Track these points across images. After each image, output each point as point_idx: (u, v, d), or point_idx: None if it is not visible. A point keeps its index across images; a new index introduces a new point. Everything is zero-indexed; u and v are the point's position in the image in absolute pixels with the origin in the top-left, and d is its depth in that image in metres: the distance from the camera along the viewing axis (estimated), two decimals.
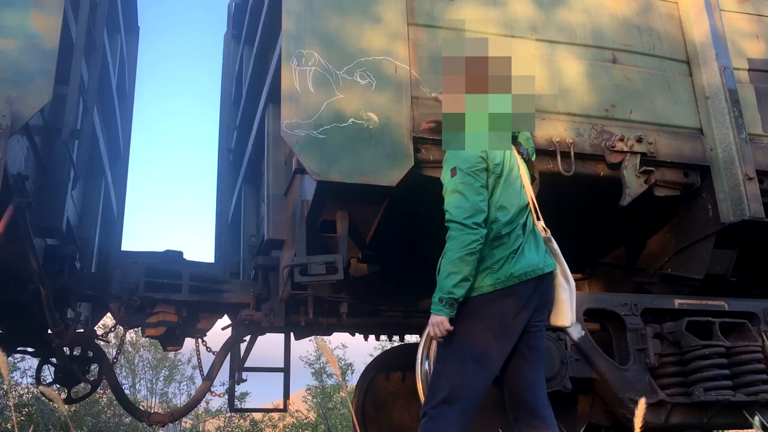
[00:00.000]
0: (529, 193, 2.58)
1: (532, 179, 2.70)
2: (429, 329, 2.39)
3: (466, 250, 2.32)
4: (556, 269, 2.54)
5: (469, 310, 2.38)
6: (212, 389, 4.79)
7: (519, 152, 2.63)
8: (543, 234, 2.58)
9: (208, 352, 4.75)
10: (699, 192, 3.97)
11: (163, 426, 4.93)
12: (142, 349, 12.38)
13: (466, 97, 2.51)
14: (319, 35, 3.50)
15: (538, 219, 2.60)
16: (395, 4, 3.65)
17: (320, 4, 3.56)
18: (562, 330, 2.64)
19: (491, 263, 2.38)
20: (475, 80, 2.50)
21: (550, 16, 3.97)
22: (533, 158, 2.77)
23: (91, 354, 4.69)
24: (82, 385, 5.42)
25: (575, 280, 5.38)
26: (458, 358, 2.36)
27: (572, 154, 3.68)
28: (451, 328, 2.34)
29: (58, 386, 4.80)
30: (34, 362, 5.23)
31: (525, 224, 2.50)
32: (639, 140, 3.75)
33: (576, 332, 3.66)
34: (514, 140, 2.63)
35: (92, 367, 5.14)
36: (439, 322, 2.34)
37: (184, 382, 12.75)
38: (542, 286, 2.47)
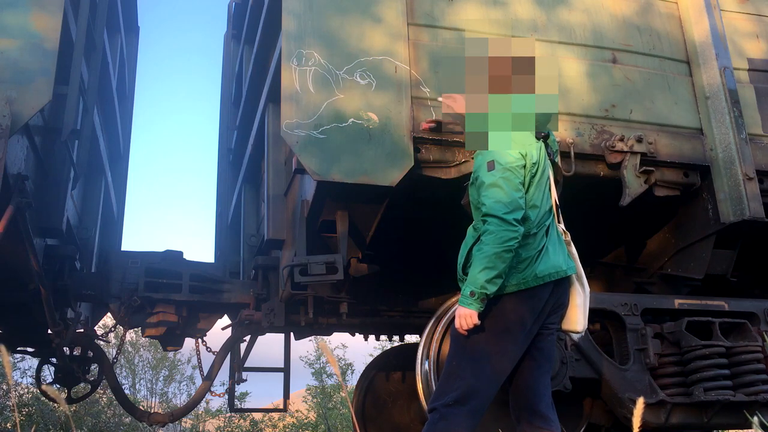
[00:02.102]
0: (554, 195, 2.58)
1: (556, 182, 2.67)
2: (456, 321, 2.35)
3: (504, 246, 2.28)
4: (575, 273, 2.51)
5: (491, 310, 2.34)
6: (212, 389, 4.80)
7: (547, 153, 2.61)
8: (564, 237, 2.55)
9: (208, 352, 4.75)
10: (699, 192, 3.97)
11: (163, 426, 4.93)
12: (142, 349, 12.37)
13: (489, 97, 2.49)
14: (319, 35, 3.50)
15: (560, 222, 2.58)
16: (395, 4, 3.65)
17: (320, 3, 3.56)
18: (566, 333, 2.60)
19: (516, 263, 2.35)
20: (498, 80, 2.48)
21: (551, 16, 3.97)
22: (557, 160, 2.74)
23: (91, 354, 4.68)
24: (82, 385, 5.42)
25: None
26: (474, 359, 2.34)
27: (572, 154, 3.68)
28: (479, 322, 2.31)
29: (58, 386, 4.80)
30: (34, 362, 5.24)
31: (549, 226, 2.48)
32: (639, 140, 3.75)
33: None
34: (545, 141, 2.61)
35: (92, 367, 5.14)
36: (468, 314, 2.30)
37: (184, 382, 12.74)
38: (560, 289, 2.45)
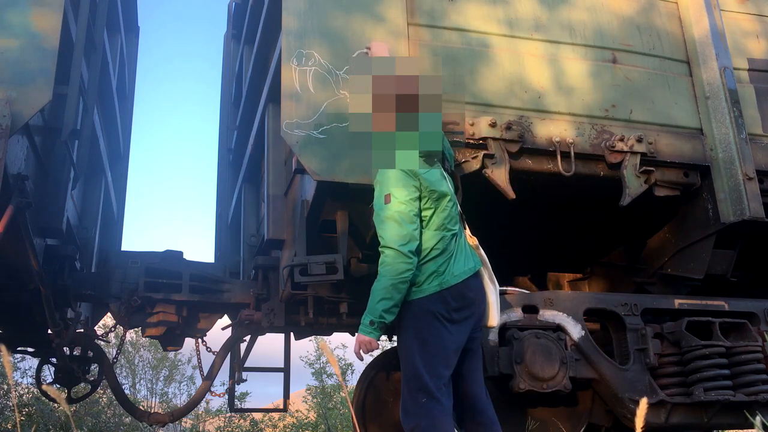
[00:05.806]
0: (458, 204, 2.71)
1: (456, 189, 2.79)
2: (355, 347, 2.48)
3: (399, 278, 2.41)
4: (481, 269, 2.66)
5: (419, 311, 2.46)
6: (212, 389, 4.80)
7: (444, 168, 2.74)
8: (471, 242, 2.69)
9: (208, 352, 4.75)
10: (699, 192, 3.97)
11: (163, 426, 4.93)
12: (142, 349, 12.36)
13: (397, 116, 2.54)
14: (320, 35, 3.50)
15: (465, 227, 2.73)
16: (396, 3, 3.65)
17: (321, 3, 3.56)
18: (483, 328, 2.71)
19: (436, 268, 2.49)
20: (405, 99, 2.54)
21: (552, 16, 3.97)
22: (452, 167, 2.88)
23: (91, 354, 4.68)
24: (82, 385, 5.42)
25: (575, 280, 5.38)
26: (426, 353, 2.42)
27: (572, 154, 3.67)
28: (379, 346, 2.47)
29: (58, 386, 4.79)
30: (34, 362, 5.24)
31: (457, 233, 2.62)
32: (639, 140, 3.75)
33: (576, 332, 3.66)
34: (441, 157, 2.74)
35: (92, 367, 5.14)
36: (368, 341, 2.45)
37: (184, 382, 12.73)
38: (476, 283, 2.59)
